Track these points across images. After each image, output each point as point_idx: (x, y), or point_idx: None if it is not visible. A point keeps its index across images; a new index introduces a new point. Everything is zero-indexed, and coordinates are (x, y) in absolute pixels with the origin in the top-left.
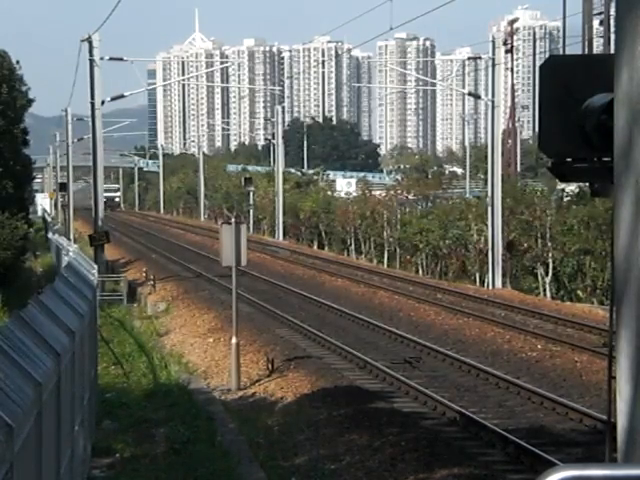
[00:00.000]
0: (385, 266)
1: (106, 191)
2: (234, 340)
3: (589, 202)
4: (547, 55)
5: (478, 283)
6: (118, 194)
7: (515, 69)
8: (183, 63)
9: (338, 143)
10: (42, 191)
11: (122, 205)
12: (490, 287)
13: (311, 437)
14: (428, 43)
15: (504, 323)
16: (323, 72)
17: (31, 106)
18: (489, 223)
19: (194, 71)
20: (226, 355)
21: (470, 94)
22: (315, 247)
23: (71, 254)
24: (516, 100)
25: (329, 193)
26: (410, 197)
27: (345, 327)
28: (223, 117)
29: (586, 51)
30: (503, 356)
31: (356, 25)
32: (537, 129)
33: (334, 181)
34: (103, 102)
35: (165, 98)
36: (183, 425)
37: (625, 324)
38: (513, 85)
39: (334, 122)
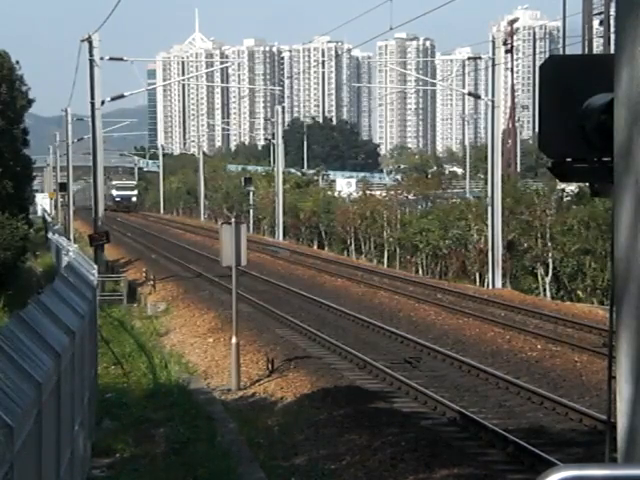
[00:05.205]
0: (385, 266)
1: (120, 189)
2: (234, 340)
3: (589, 202)
4: (547, 55)
5: (478, 283)
6: (135, 192)
7: (515, 69)
8: (183, 63)
9: (338, 143)
10: (42, 191)
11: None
12: (490, 287)
13: (311, 437)
14: (428, 43)
15: (504, 323)
16: (323, 72)
17: (31, 106)
18: (489, 223)
19: (194, 71)
20: (226, 355)
21: (470, 94)
22: (315, 247)
23: (71, 254)
24: (516, 100)
25: (329, 193)
26: (410, 197)
27: (345, 327)
28: (223, 117)
29: (586, 51)
30: (503, 356)
31: (356, 25)
32: (537, 129)
33: (334, 181)
34: (103, 102)
35: (165, 98)
36: (183, 425)
37: (625, 324)
38: (513, 85)
39: (334, 122)
